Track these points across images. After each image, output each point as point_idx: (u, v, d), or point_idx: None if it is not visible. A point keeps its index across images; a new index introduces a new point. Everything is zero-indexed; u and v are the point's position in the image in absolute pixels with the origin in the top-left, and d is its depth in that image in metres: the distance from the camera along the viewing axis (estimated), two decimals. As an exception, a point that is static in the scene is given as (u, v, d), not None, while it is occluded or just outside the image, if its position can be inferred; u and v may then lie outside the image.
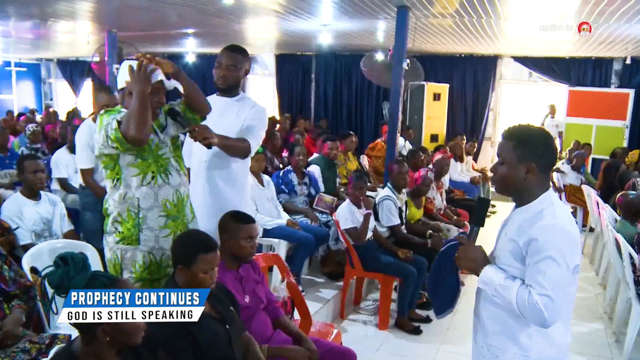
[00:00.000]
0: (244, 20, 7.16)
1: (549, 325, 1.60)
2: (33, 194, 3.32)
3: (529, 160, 1.67)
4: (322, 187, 5.10)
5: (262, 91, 12.18)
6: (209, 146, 2.25)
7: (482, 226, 1.80)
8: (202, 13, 6.49)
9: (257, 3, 5.93)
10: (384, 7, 5.66)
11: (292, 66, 11.65)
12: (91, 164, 3.42)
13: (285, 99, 11.81)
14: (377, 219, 4.45)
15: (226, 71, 2.66)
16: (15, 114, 11.45)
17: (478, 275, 1.71)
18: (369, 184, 5.04)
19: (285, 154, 6.21)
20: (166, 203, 2.27)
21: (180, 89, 2.25)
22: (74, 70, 13.96)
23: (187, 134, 2.28)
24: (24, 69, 14.43)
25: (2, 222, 3.14)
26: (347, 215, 4.12)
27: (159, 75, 2.16)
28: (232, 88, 2.72)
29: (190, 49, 11.22)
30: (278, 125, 8.76)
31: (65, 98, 14.53)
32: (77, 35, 9.16)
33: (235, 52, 2.68)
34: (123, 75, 2.19)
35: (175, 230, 2.32)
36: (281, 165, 5.84)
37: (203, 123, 2.40)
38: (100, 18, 7.34)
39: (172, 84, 2.23)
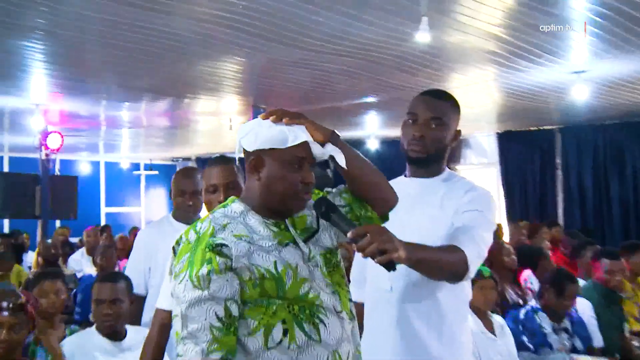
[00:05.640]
0: (448, 76, 7.21)
1: None
2: (112, 331, 3.41)
3: None
4: (597, 338, 4.79)
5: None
6: (390, 266, 2.04)
7: None
8: (381, 68, 6.64)
9: (465, 43, 5.87)
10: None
11: (525, 148, 11.73)
12: None
13: (516, 198, 11.87)
14: None
15: (426, 129, 2.60)
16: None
17: None
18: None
19: (525, 280, 6.08)
20: None
21: (341, 162, 2.13)
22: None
23: (351, 242, 2.11)
24: (156, 172, 16.24)
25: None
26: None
27: (302, 135, 2.06)
28: (433, 160, 2.66)
29: (372, 131, 11.70)
30: (509, 238, 8.69)
31: (210, 210, 15.84)
32: (220, 118, 10.13)
33: (441, 98, 2.68)
34: (248, 137, 2.09)
35: None
36: (520, 301, 5.55)
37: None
38: (246, 88, 7.91)
39: (327, 151, 2.12)
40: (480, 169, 12.38)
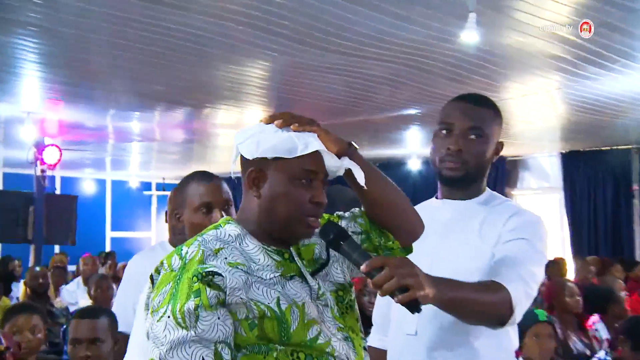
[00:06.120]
0: (502, 85, 7.16)
1: None
2: None
3: None
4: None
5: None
6: (414, 307, 1.97)
7: None
8: (426, 75, 6.60)
9: (524, 46, 5.77)
10: None
11: (594, 171, 11.73)
12: None
13: (584, 229, 11.80)
14: None
15: (463, 141, 2.55)
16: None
17: None
18: None
19: (591, 327, 5.99)
20: None
21: (360, 178, 2.07)
22: (238, 191, 15.49)
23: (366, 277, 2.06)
24: (169, 193, 16.18)
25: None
26: None
27: (314, 143, 2.00)
28: (471, 178, 2.62)
29: (414, 149, 11.69)
30: (575, 276, 8.60)
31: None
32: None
33: (481, 104, 2.63)
34: (247, 143, 2.01)
35: None
36: (587, 351, 5.51)
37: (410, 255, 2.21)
38: (271, 98, 7.98)
39: (344, 164, 2.07)
40: (541, 195, 12.36)
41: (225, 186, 2.92)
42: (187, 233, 2.88)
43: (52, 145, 9.41)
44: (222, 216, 2.79)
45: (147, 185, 16.26)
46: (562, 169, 11.88)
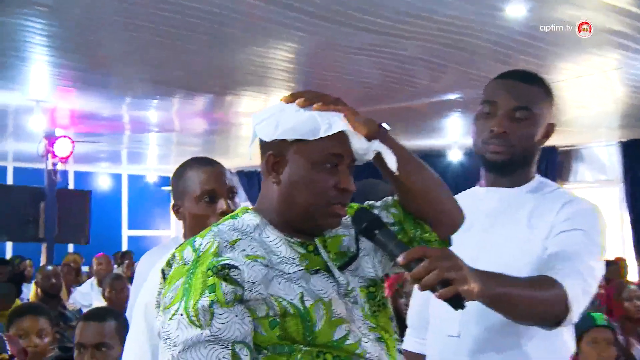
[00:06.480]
0: (553, 65, 7.09)
1: None
2: None
3: None
4: None
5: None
6: (457, 303, 1.93)
7: None
8: (469, 55, 6.57)
9: (578, 21, 5.65)
10: None
11: None
12: None
13: None
14: None
15: (509, 123, 2.53)
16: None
17: None
18: None
19: None
20: None
21: (391, 163, 2.04)
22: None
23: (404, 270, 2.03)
24: None
25: None
26: None
27: (338, 123, 1.97)
28: (519, 164, 2.61)
29: (454, 139, 11.71)
30: (636, 278, 8.79)
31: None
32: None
33: (528, 81, 2.61)
34: (266, 124, 1.98)
35: None
36: None
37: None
38: (299, 82, 7.95)
39: (373, 147, 2.04)
40: (598, 189, 12.25)
41: (229, 173, 2.86)
42: (188, 226, 2.81)
43: (64, 136, 9.46)
44: (228, 206, 2.78)
45: (165, 180, 16.22)
46: (622, 159, 11.77)
